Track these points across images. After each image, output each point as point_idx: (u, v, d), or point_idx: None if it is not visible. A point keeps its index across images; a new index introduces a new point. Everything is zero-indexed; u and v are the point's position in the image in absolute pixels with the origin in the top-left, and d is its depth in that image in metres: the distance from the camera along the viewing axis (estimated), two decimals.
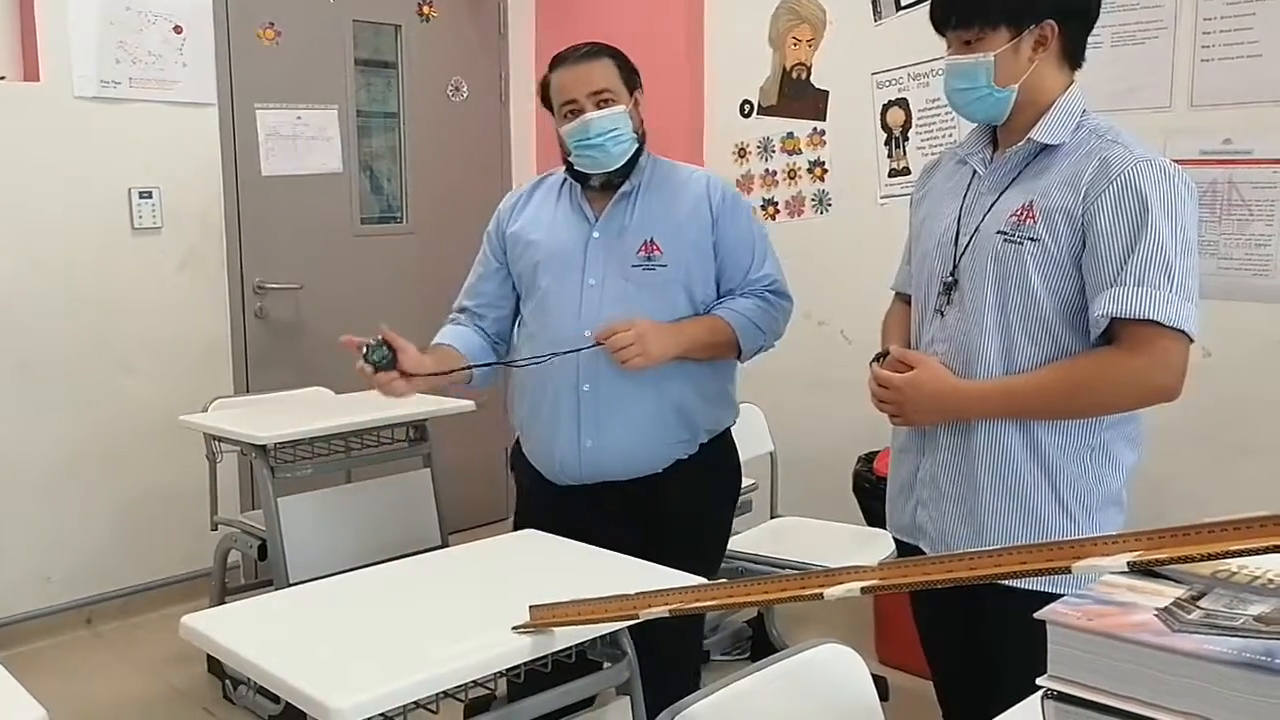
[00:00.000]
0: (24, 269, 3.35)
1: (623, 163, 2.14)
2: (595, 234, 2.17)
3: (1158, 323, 1.60)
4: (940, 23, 1.77)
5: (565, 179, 2.26)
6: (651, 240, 2.14)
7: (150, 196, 3.57)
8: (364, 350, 1.98)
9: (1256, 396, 2.80)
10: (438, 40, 4.30)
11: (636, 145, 2.17)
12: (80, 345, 3.48)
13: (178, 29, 3.57)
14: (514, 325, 2.33)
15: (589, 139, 2.10)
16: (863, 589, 1.16)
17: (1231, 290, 2.78)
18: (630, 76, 2.18)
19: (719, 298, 2.21)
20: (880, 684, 1.46)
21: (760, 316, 2.19)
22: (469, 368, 2.13)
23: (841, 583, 1.17)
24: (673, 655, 2.09)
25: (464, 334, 2.26)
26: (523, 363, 2.16)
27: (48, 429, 3.44)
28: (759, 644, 3.28)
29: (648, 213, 2.17)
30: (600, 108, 2.11)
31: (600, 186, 2.18)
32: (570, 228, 2.20)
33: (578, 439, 2.13)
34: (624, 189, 2.17)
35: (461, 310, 2.33)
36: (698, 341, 2.13)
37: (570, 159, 2.18)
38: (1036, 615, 0.91)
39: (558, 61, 2.16)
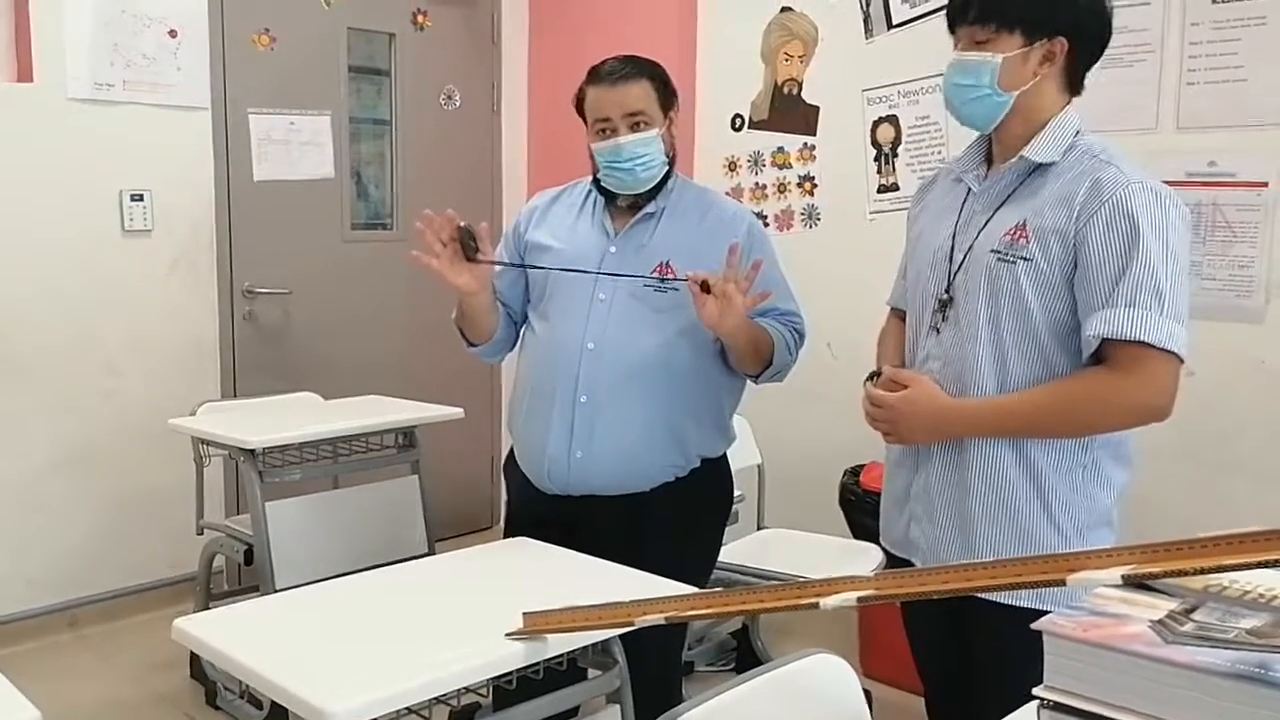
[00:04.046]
0: (13, 269, 3.34)
1: (649, 187, 2.15)
2: (612, 249, 2.17)
3: (1148, 344, 1.62)
4: (958, 13, 1.77)
5: (590, 190, 2.26)
6: (667, 263, 2.13)
7: (142, 199, 3.56)
8: (460, 229, 2.06)
9: (1238, 415, 2.83)
10: (431, 49, 4.31)
11: (665, 169, 2.17)
12: (68, 346, 3.47)
13: (173, 33, 3.57)
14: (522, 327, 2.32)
15: (619, 162, 2.11)
16: (859, 599, 1.17)
17: (1214, 311, 2.82)
18: (668, 97, 2.17)
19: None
20: (865, 697, 1.47)
21: (789, 342, 2.18)
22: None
23: (838, 592, 1.18)
24: (657, 665, 2.09)
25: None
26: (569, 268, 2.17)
27: (35, 430, 3.42)
28: (744, 655, 3.29)
29: (668, 235, 2.17)
30: (634, 130, 2.10)
31: (626, 206, 2.19)
32: (588, 240, 2.20)
33: (568, 449, 2.13)
34: (648, 209, 2.18)
35: None
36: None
37: (598, 175, 2.19)
38: (1034, 626, 0.92)
39: (595, 76, 2.15)
